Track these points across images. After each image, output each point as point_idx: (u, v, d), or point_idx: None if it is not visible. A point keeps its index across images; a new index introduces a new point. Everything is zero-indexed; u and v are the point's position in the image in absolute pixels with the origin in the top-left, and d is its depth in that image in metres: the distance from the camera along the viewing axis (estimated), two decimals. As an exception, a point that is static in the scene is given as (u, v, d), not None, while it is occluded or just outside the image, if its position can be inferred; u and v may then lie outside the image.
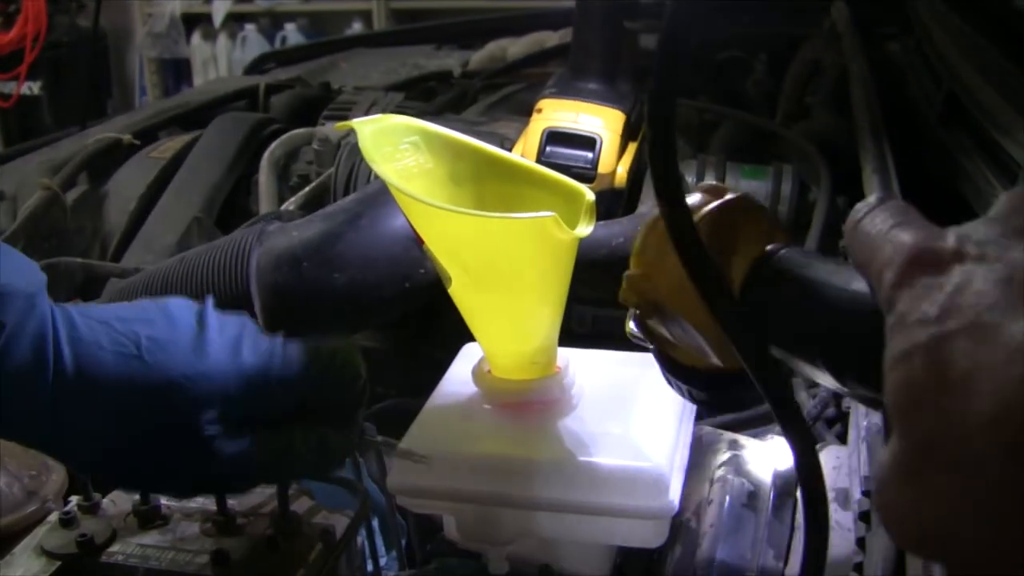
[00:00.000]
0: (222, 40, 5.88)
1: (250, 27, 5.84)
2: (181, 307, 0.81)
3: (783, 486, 0.94)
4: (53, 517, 0.91)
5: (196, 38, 5.96)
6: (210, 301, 0.82)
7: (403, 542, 1.01)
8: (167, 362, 0.76)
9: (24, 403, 0.73)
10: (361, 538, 0.94)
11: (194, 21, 5.97)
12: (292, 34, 5.72)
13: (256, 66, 2.99)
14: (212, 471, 0.79)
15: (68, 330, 0.74)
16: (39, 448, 0.80)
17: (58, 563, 0.86)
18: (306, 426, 0.82)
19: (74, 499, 0.92)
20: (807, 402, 1.17)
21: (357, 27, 5.58)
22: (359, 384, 0.85)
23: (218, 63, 5.91)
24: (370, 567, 0.96)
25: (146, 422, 0.76)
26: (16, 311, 0.71)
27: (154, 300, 0.81)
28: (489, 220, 0.83)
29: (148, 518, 0.89)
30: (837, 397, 1.17)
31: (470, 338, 0.99)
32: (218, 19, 5.82)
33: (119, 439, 0.76)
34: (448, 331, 1.37)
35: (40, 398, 0.73)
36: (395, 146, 0.91)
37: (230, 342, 0.79)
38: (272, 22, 5.85)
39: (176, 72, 6.12)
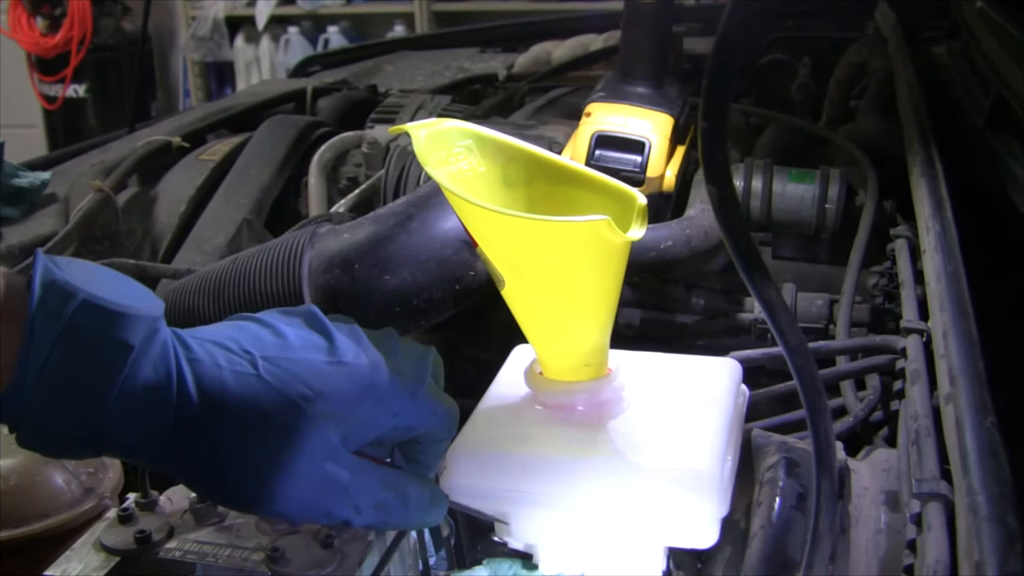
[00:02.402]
0: (265, 43, 5.92)
1: (293, 30, 5.88)
2: (283, 321, 0.81)
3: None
4: (112, 514, 0.92)
5: (239, 41, 6.01)
6: (317, 310, 0.82)
7: (452, 542, 1.02)
8: (287, 381, 0.76)
9: (151, 424, 0.74)
10: (413, 537, 0.95)
11: (238, 24, 6.01)
12: (335, 36, 5.76)
13: (301, 69, 3.01)
14: (330, 498, 0.79)
15: (185, 352, 0.75)
16: (164, 470, 0.81)
17: (116, 559, 0.87)
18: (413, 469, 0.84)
19: (132, 496, 0.93)
20: (855, 405, 1.17)
21: (399, 30, 5.60)
22: (454, 432, 0.87)
23: (261, 66, 5.95)
24: (420, 567, 0.97)
25: (267, 443, 0.76)
26: (141, 333, 0.72)
27: (252, 317, 0.81)
28: (543, 223, 0.84)
29: (205, 515, 0.90)
30: (885, 399, 1.17)
31: (517, 340, 1.00)
32: (261, 22, 5.86)
33: (241, 460, 0.76)
34: (495, 333, 1.38)
35: (166, 419, 0.74)
36: (448, 150, 0.92)
37: (354, 359, 0.79)
38: (315, 25, 5.89)
39: (219, 75, 6.17)
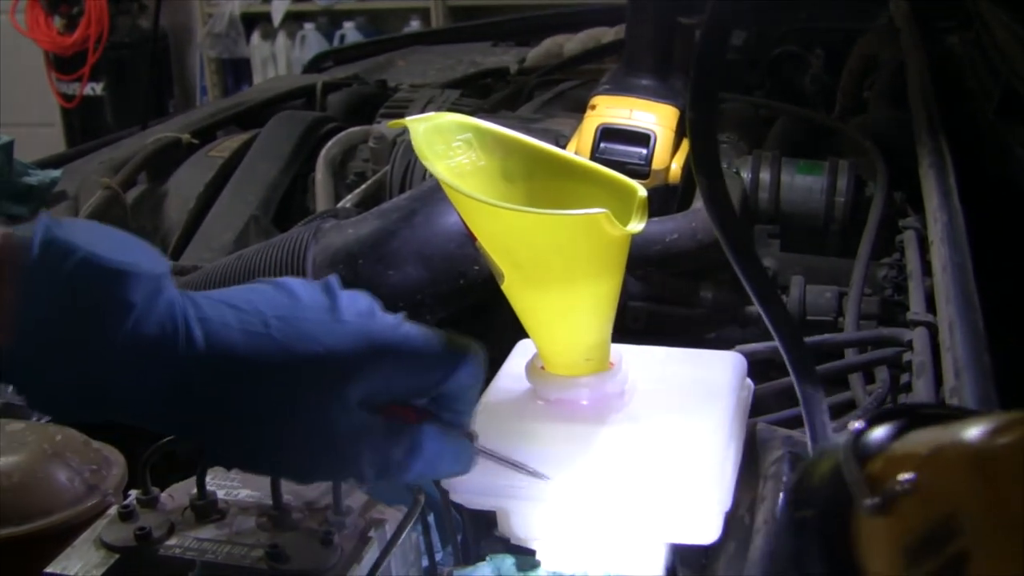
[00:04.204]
0: (281, 39, 5.92)
1: (309, 26, 5.87)
2: (298, 284, 0.80)
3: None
4: (112, 511, 0.92)
5: (255, 37, 6.00)
6: (335, 278, 0.82)
7: (459, 537, 1.02)
8: (298, 339, 0.76)
9: (157, 382, 0.73)
10: (417, 533, 0.95)
11: (254, 20, 6.00)
12: (351, 32, 5.75)
13: (314, 65, 3.01)
14: (341, 457, 0.79)
15: (195, 311, 0.74)
16: (170, 430, 0.81)
17: (116, 556, 0.87)
18: (433, 421, 0.83)
19: (133, 493, 0.93)
20: (864, 398, 1.16)
21: (415, 25, 5.60)
22: (482, 377, 0.86)
23: (277, 62, 5.95)
24: (425, 562, 0.97)
25: (275, 401, 0.76)
26: (145, 291, 0.71)
27: (268, 280, 0.81)
28: (541, 217, 0.84)
29: (205, 512, 0.90)
30: (894, 392, 1.16)
31: (523, 335, 0.99)
32: (277, 18, 5.85)
33: (248, 418, 0.76)
34: (501, 328, 1.38)
35: (172, 376, 0.73)
36: (448, 143, 0.92)
37: (361, 319, 0.79)
38: (331, 21, 5.88)
39: (236, 71, 6.17)
